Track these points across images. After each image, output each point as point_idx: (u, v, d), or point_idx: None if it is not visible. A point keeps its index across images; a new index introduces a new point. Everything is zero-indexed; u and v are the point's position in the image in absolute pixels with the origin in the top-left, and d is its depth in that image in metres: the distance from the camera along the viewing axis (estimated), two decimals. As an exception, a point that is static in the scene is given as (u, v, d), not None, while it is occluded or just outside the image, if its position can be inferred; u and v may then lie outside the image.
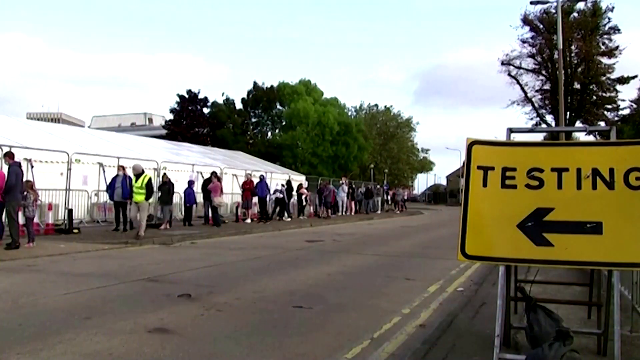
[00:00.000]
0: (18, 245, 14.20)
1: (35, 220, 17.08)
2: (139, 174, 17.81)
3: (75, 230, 18.13)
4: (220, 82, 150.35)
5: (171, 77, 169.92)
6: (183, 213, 24.40)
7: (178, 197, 23.92)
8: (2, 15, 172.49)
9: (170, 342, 6.44)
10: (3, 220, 14.83)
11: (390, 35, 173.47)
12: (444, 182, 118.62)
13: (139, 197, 17.53)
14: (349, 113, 74.90)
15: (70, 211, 18.65)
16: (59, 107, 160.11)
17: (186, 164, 28.64)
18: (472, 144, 5.83)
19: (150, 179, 17.86)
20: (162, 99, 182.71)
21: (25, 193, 14.90)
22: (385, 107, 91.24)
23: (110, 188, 19.90)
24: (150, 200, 18.74)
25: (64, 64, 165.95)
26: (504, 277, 5.55)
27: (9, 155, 14.95)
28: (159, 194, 22.43)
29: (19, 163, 15.29)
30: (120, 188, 19.35)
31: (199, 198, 25.06)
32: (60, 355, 5.81)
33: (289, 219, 29.41)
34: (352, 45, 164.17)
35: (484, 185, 5.63)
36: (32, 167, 19.31)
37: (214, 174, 24.85)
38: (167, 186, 21.89)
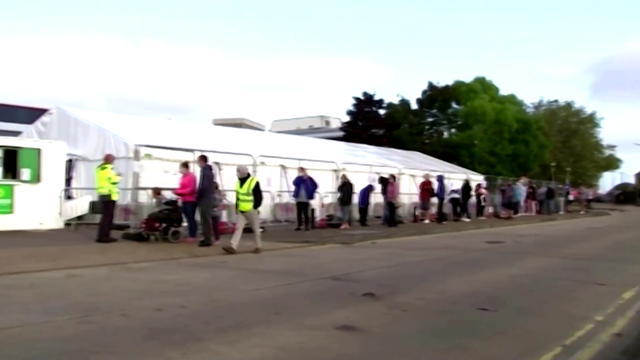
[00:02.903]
0: (210, 243, 15.13)
1: (224, 219, 18.10)
2: (244, 177, 14.84)
3: (261, 229, 18.91)
4: (392, 83, 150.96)
5: (343, 80, 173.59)
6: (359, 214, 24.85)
7: (357, 198, 24.30)
8: (182, 30, 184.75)
9: (357, 339, 6.52)
10: (197, 219, 15.92)
11: (560, 28, 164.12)
12: (632, 180, 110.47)
13: (245, 206, 14.61)
14: (527, 110, 72.07)
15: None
16: (241, 112, 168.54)
17: (364, 164, 29.02)
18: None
19: (258, 183, 14.94)
20: (337, 102, 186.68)
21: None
22: (565, 102, 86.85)
23: (295, 188, 20.68)
24: (259, 208, 15.34)
25: (242, 73, 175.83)
26: None
27: (202, 159, 16.01)
28: (339, 194, 22.97)
29: (211, 166, 16.33)
30: (303, 189, 20.07)
31: (376, 199, 25.27)
32: (255, 347, 6.07)
33: (468, 220, 28.88)
34: (520, 40, 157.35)
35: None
36: (220, 169, 20.45)
37: (391, 175, 25.00)
38: (346, 187, 22.35)
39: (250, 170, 21.54)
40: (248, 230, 14.59)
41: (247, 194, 14.49)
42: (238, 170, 15.05)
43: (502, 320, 7.74)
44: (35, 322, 6.91)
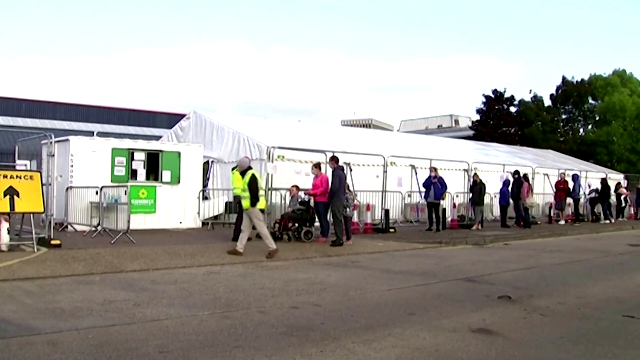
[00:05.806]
0: (342, 243, 15.30)
1: (355, 219, 18.24)
2: (243, 170, 13.31)
3: (392, 230, 18.95)
4: (523, 79, 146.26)
5: (472, 79, 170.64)
6: (493, 214, 24.27)
7: (488, 198, 23.75)
8: (304, 34, 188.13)
9: (495, 343, 6.37)
10: (329, 219, 16.15)
11: None
12: None
13: (245, 203, 13.10)
14: (673, 104, 67.48)
15: (387, 211, 19.52)
16: (369, 113, 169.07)
17: (496, 164, 28.35)
18: None
19: (253, 177, 13.03)
20: (466, 101, 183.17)
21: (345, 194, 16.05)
22: None
23: (425, 189, 20.54)
24: (262, 206, 13.46)
25: (367, 74, 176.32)
26: None
27: (334, 160, 16.25)
28: (470, 194, 22.59)
29: (342, 167, 16.53)
30: (432, 190, 19.88)
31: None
32: (391, 347, 6.08)
33: (608, 222, 27.47)
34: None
35: None
36: (350, 170, 20.63)
37: (521, 174, 24.21)
38: (478, 187, 21.90)
39: (380, 170, 21.75)
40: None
41: (244, 190, 13.06)
42: (238, 164, 13.82)
43: (653, 329, 7.31)
44: (181, 315, 7.27)
